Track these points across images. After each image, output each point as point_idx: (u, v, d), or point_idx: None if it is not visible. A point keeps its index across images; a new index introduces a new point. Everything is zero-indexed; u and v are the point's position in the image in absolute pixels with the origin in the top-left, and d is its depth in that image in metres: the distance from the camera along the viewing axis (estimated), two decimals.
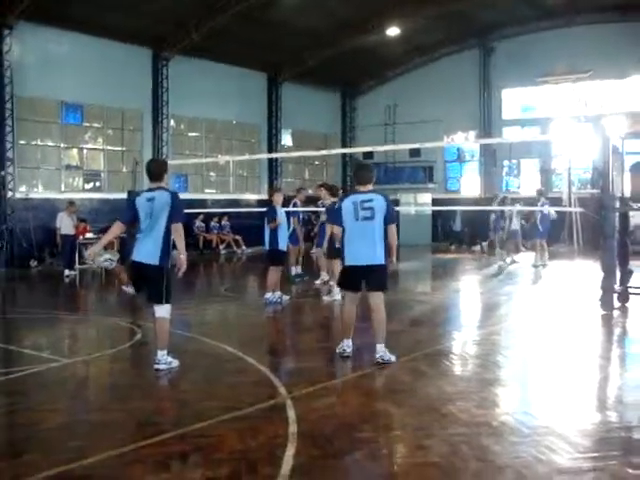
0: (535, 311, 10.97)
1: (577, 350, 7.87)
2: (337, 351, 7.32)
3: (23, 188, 19.75)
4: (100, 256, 7.64)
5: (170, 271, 6.75)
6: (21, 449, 4.72)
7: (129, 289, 6.96)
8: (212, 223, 23.98)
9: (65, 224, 17.18)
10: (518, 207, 18.32)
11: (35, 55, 19.26)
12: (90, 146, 21.94)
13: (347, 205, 7.19)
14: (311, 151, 24.57)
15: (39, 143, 20.43)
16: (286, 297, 11.77)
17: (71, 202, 17.81)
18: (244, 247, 24.17)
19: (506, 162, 28.11)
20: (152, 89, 22.78)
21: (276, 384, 6.27)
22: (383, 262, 7.05)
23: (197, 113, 24.49)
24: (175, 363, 6.83)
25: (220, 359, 7.41)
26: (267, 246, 11.68)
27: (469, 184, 28.84)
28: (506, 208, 18.57)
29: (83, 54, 20.32)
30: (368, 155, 26.13)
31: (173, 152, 23.55)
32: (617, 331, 9.34)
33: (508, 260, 18.67)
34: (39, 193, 20.18)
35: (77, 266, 17.39)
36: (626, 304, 10.58)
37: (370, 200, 7.06)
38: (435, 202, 27.93)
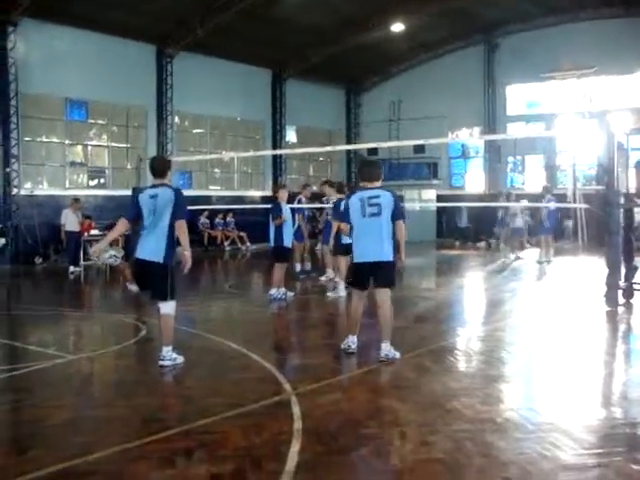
0: (539, 307, 10.95)
1: (582, 346, 7.86)
2: (342, 347, 7.31)
3: (28, 185, 19.79)
4: (105, 253, 7.66)
5: (175, 268, 6.76)
6: (26, 445, 4.73)
7: (133, 287, 6.96)
8: (217, 220, 24.00)
9: (70, 221, 17.21)
10: (525, 203, 18.28)
11: (39, 52, 19.27)
12: (95, 143, 21.99)
13: (354, 202, 7.17)
14: (315, 148, 24.53)
15: (44, 140, 20.48)
16: (290, 293, 11.77)
17: (76, 199, 17.83)
18: (248, 244, 24.18)
19: (511, 158, 28.05)
20: (156, 86, 22.79)
21: (281, 380, 6.27)
22: (391, 258, 7.02)
23: (201, 110, 24.48)
24: (180, 359, 6.84)
25: (225, 356, 7.41)
26: (272, 243, 11.65)
27: (474, 180, 28.79)
28: (512, 205, 18.55)
29: (87, 51, 20.35)
30: (372, 151, 26.06)
31: (177, 149, 23.56)
32: (622, 327, 9.34)
33: (512, 256, 18.65)
34: (44, 190, 20.21)
35: (82, 263, 17.44)
36: (631, 300, 10.54)
37: (377, 196, 7.03)
38: (439, 198, 27.91)
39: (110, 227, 9.30)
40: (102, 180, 22.21)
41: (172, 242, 6.72)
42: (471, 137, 29.77)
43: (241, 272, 19.55)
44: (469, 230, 26.37)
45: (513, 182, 28.05)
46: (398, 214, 7.04)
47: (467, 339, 8.44)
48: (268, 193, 25.64)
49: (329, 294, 12.01)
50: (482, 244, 24.15)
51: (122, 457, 4.43)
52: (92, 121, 21.67)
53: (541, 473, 4.13)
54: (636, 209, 11.18)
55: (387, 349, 6.95)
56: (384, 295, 7.06)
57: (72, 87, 20.23)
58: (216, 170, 26.02)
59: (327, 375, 6.47)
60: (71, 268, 16.69)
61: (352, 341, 7.27)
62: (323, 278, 14.00)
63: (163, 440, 4.69)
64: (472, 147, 29.36)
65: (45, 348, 7.77)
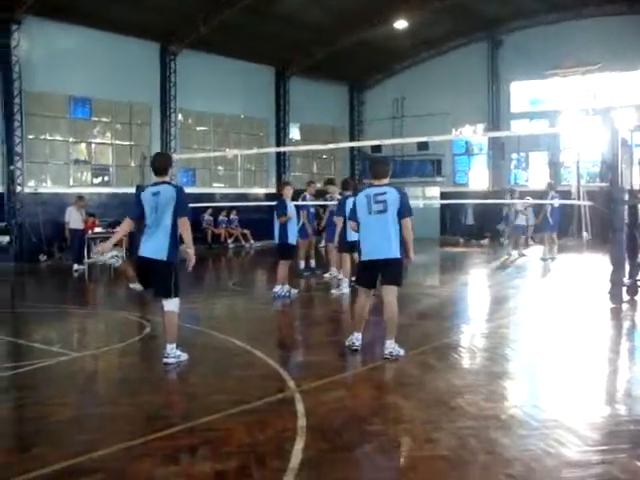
0: (544, 304, 10.94)
1: (586, 343, 7.86)
2: (346, 344, 7.30)
3: (32, 183, 19.82)
4: (108, 252, 7.64)
5: (179, 265, 6.76)
6: (30, 443, 4.73)
7: (136, 286, 6.93)
8: (220, 217, 24.02)
9: (74, 218, 17.21)
10: (529, 200, 18.26)
11: (43, 50, 19.32)
12: (98, 140, 22.02)
13: (361, 199, 7.15)
14: (319, 145, 24.54)
15: (48, 138, 20.51)
16: (294, 291, 11.77)
17: (80, 197, 17.84)
18: (252, 241, 24.23)
19: (514, 155, 28.01)
20: (160, 83, 22.82)
21: (285, 378, 6.27)
22: (398, 256, 6.94)
23: (205, 107, 24.50)
24: (184, 357, 6.84)
25: (229, 353, 7.42)
26: (277, 240, 11.65)
27: (477, 177, 28.76)
28: (517, 202, 18.52)
29: (91, 48, 20.36)
30: (376, 149, 26.04)
31: (181, 146, 23.57)
32: (626, 324, 9.31)
33: (515, 253, 18.64)
34: (48, 188, 20.25)
35: (86, 260, 17.45)
36: (635, 297, 10.53)
37: (383, 193, 6.96)
38: (443, 195, 27.92)
39: (114, 225, 9.30)
40: (106, 178, 22.24)
41: (175, 240, 6.71)
42: (475, 134, 29.70)
43: (245, 269, 19.55)
44: (473, 227, 26.34)
45: (517, 179, 28.02)
46: (404, 211, 6.93)
47: (471, 336, 8.44)
48: (272, 190, 25.70)
49: (333, 291, 12.02)
50: (486, 241, 24.11)
51: (126, 454, 4.43)
52: (96, 119, 21.70)
53: (545, 470, 4.13)
54: None
55: (392, 346, 6.94)
56: (391, 293, 7.02)
57: (76, 85, 20.26)
58: (220, 167, 26.04)
59: (331, 372, 6.47)
60: (75, 266, 16.69)
61: (357, 338, 7.25)
62: (327, 275, 13.99)
63: (167, 437, 4.70)
64: (476, 144, 29.32)
65: (49, 346, 7.79)
